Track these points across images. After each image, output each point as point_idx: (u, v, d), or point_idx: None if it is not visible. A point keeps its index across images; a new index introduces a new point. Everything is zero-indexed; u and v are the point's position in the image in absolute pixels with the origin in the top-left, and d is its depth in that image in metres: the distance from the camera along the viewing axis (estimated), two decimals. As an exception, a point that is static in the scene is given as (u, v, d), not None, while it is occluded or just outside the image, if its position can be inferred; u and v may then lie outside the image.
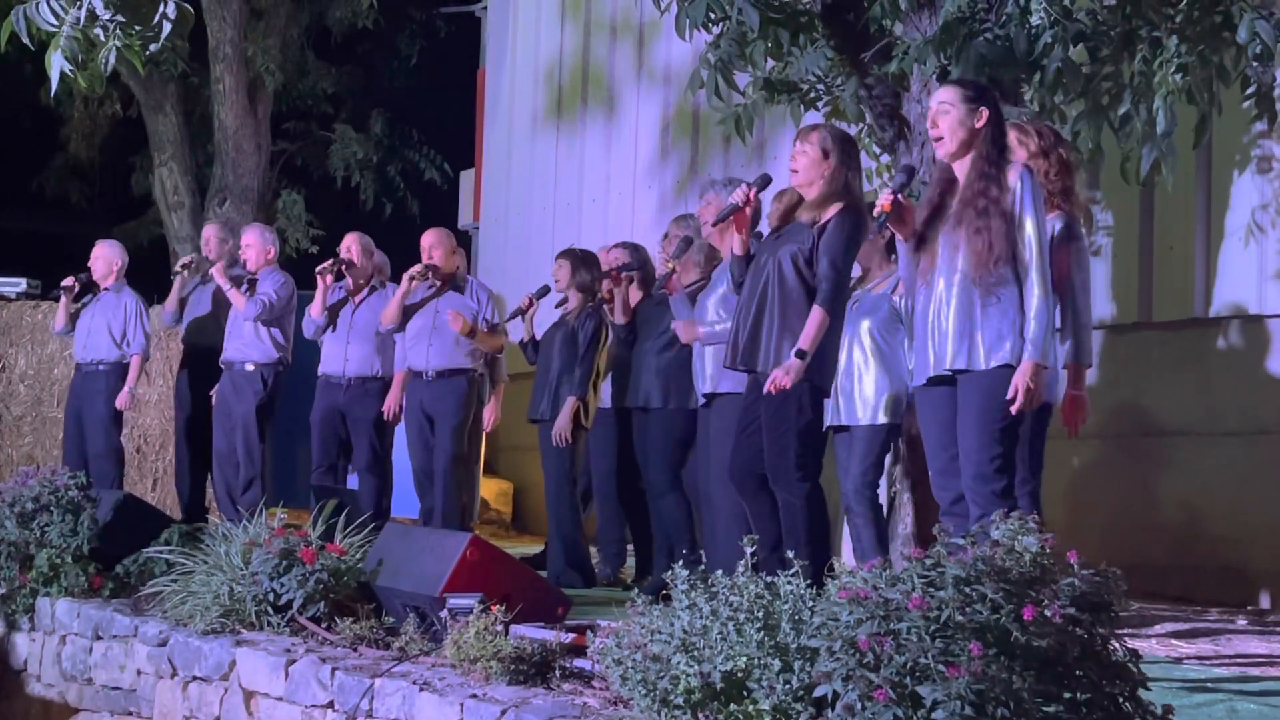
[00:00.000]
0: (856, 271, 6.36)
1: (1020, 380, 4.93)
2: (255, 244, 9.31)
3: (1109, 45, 6.48)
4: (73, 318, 9.80)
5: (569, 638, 5.16)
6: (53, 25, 7.01)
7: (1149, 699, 3.77)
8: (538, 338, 8.40)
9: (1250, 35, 6.09)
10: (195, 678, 6.38)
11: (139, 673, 6.87)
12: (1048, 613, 3.64)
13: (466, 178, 15.37)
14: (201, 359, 9.49)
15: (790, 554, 4.58)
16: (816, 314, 5.61)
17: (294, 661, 5.79)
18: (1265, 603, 7.79)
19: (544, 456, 8.17)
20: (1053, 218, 5.63)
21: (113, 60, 7.18)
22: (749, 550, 4.46)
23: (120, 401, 9.52)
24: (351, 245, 8.97)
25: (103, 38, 7.11)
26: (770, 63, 7.36)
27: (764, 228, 6.53)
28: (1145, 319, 8.43)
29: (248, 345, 9.12)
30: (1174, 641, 6.18)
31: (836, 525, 7.18)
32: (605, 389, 8.14)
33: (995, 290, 4.97)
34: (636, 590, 6.47)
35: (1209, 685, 5.06)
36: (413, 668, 5.41)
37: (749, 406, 5.82)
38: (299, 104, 17.66)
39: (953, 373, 5.06)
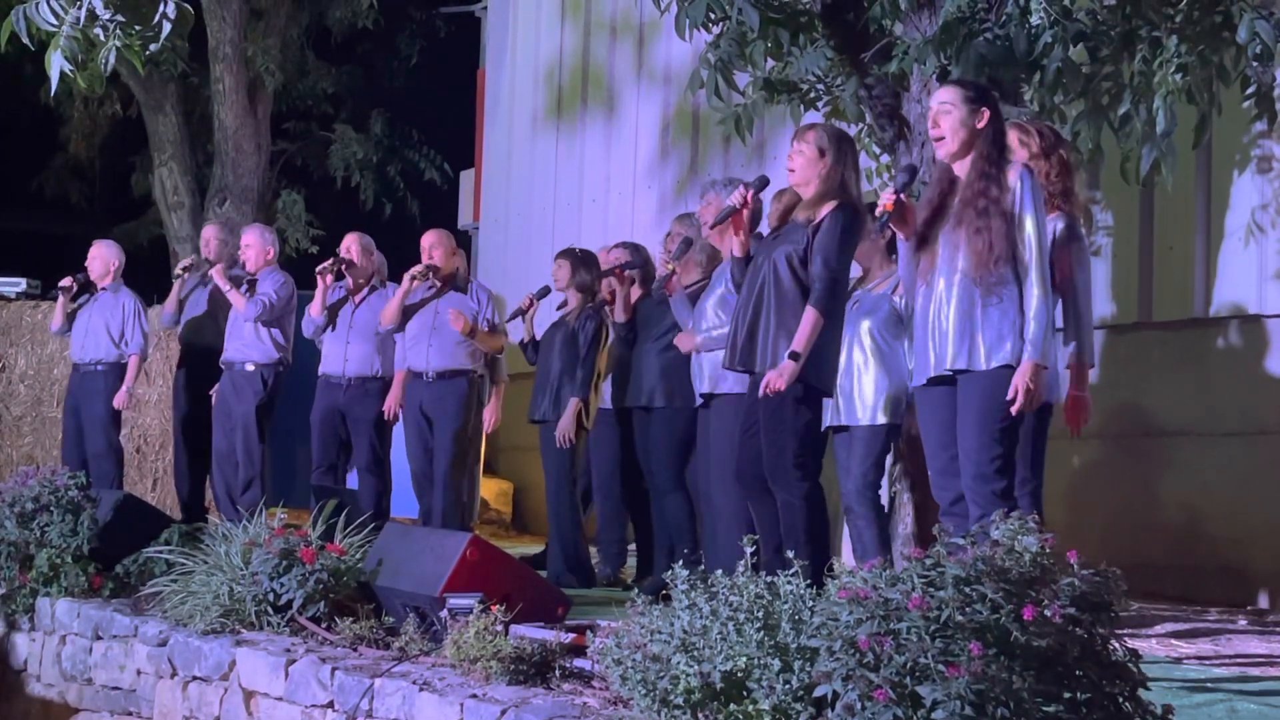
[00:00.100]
0: (857, 271, 6.36)
1: (1020, 381, 4.93)
2: (255, 244, 9.31)
3: (1109, 45, 6.48)
4: (70, 317, 9.80)
5: (569, 638, 5.16)
6: (53, 25, 7.01)
7: (1149, 699, 3.77)
8: (538, 338, 8.40)
9: (1250, 35, 6.08)
10: (195, 678, 6.38)
11: (139, 673, 6.87)
12: (1048, 613, 3.64)
13: (466, 178, 15.37)
14: (198, 358, 9.50)
15: (790, 554, 4.58)
16: (810, 315, 5.60)
17: (294, 661, 5.79)
18: (1265, 603, 7.79)
19: (544, 457, 8.17)
20: (1054, 218, 5.63)
21: (113, 60, 7.18)
22: (749, 550, 4.47)
23: (118, 401, 9.52)
24: (351, 245, 8.97)
25: (103, 38, 7.11)
26: (770, 63, 7.36)
27: (765, 229, 6.53)
28: (1145, 319, 8.43)
29: (248, 346, 9.12)
30: (1174, 641, 6.18)
31: (836, 525, 7.18)
32: (605, 389, 8.14)
33: (996, 290, 4.98)
34: (636, 590, 6.47)
35: (1209, 685, 5.06)
36: (413, 668, 5.41)
37: (750, 407, 5.81)
38: (299, 104, 17.67)
39: (953, 373, 5.06)
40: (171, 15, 7.14)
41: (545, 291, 8.55)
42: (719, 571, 4.43)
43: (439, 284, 8.64)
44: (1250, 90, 6.75)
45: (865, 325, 6.33)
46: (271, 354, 9.10)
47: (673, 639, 4.24)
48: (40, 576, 7.64)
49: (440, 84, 17.99)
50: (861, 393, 6.30)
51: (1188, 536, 8.09)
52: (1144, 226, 8.43)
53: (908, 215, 5.19)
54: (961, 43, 6.16)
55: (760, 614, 4.17)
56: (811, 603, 4.14)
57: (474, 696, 4.85)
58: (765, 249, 5.87)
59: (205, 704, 6.28)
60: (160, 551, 7.41)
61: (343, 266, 8.88)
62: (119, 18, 7.06)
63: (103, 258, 9.80)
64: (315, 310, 8.87)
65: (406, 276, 8.58)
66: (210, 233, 9.62)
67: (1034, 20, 6.16)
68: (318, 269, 8.89)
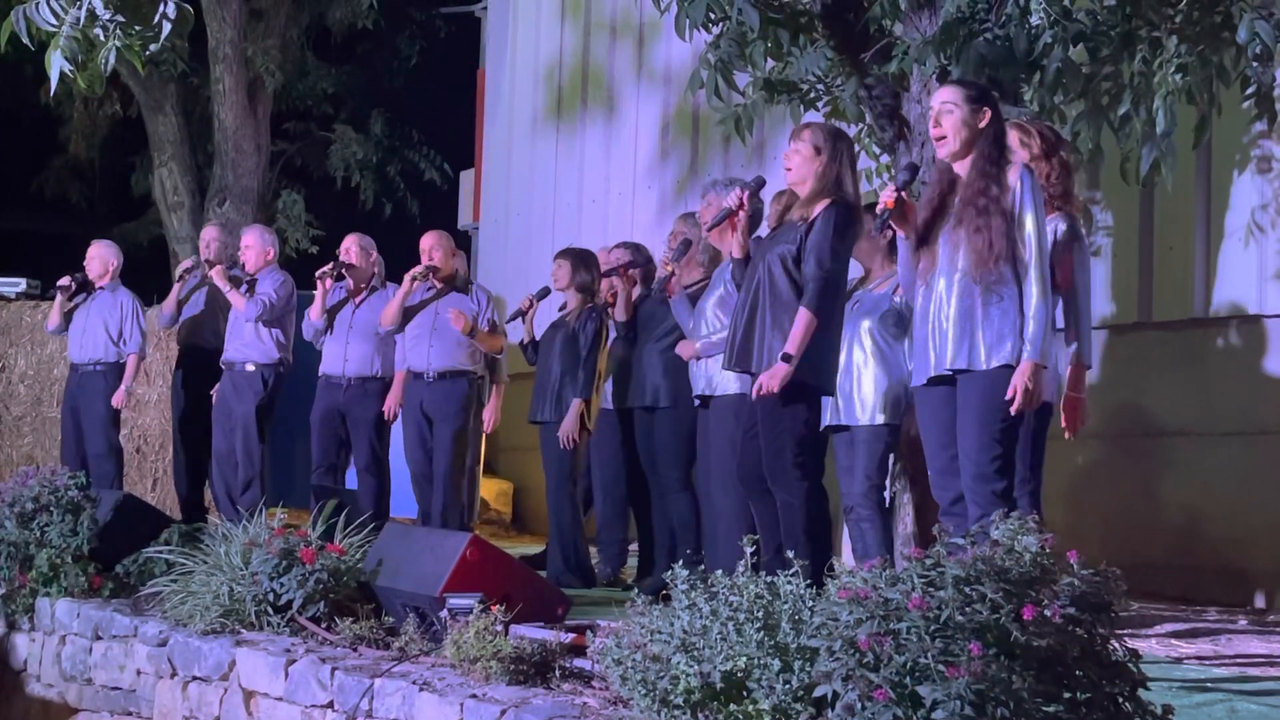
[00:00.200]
0: (858, 271, 6.36)
1: (1019, 380, 4.93)
2: (255, 245, 9.31)
3: (1109, 45, 6.48)
4: (67, 317, 9.80)
5: (569, 638, 5.15)
6: (53, 25, 7.01)
7: (1149, 699, 3.77)
8: (537, 339, 8.39)
9: (1250, 35, 6.08)
10: (195, 678, 6.37)
11: (139, 673, 6.87)
12: (1048, 613, 3.64)
13: (466, 178, 15.37)
14: (195, 358, 9.50)
15: (790, 554, 4.58)
16: (803, 316, 5.58)
17: (294, 661, 5.79)
18: (1265, 603, 7.79)
19: (545, 457, 8.17)
20: (1056, 219, 5.63)
21: (112, 60, 7.18)
22: (749, 550, 4.46)
23: (116, 400, 9.51)
24: (351, 247, 8.97)
25: (102, 38, 7.11)
26: (770, 63, 7.36)
27: (766, 229, 6.53)
28: (1145, 319, 8.43)
29: (248, 346, 9.11)
30: (1174, 641, 6.18)
31: (836, 525, 7.18)
32: (606, 389, 8.13)
33: (996, 289, 4.98)
34: (636, 590, 6.47)
35: (1209, 685, 5.06)
36: (413, 668, 5.41)
37: (751, 409, 5.81)
38: (299, 104, 17.67)
39: (953, 373, 5.06)
40: (171, 15, 7.14)
41: (545, 292, 8.55)
42: (719, 571, 4.43)
43: (439, 285, 8.65)
44: (1250, 90, 6.75)
45: (865, 325, 6.33)
46: (272, 354, 9.10)
47: (673, 639, 4.24)
48: (40, 577, 7.64)
49: (440, 84, 17.98)
50: (861, 393, 6.30)
51: (1188, 536, 8.09)
52: (1144, 227, 8.43)
53: (908, 213, 5.19)
54: (961, 43, 6.16)
55: (760, 614, 4.17)
56: (811, 603, 4.14)
57: (474, 696, 4.85)
58: (762, 250, 5.86)
59: (205, 704, 6.28)
60: (160, 552, 7.41)
61: (343, 269, 8.89)
62: (119, 18, 7.06)
63: (101, 257, 9.80)
64: (315, 314, 8.87)
65: (407, 277, 8.58)
66: (210, 234, 9.62)
67: (1034, 20, 6.16)
68: (317, 273, 8.89)
